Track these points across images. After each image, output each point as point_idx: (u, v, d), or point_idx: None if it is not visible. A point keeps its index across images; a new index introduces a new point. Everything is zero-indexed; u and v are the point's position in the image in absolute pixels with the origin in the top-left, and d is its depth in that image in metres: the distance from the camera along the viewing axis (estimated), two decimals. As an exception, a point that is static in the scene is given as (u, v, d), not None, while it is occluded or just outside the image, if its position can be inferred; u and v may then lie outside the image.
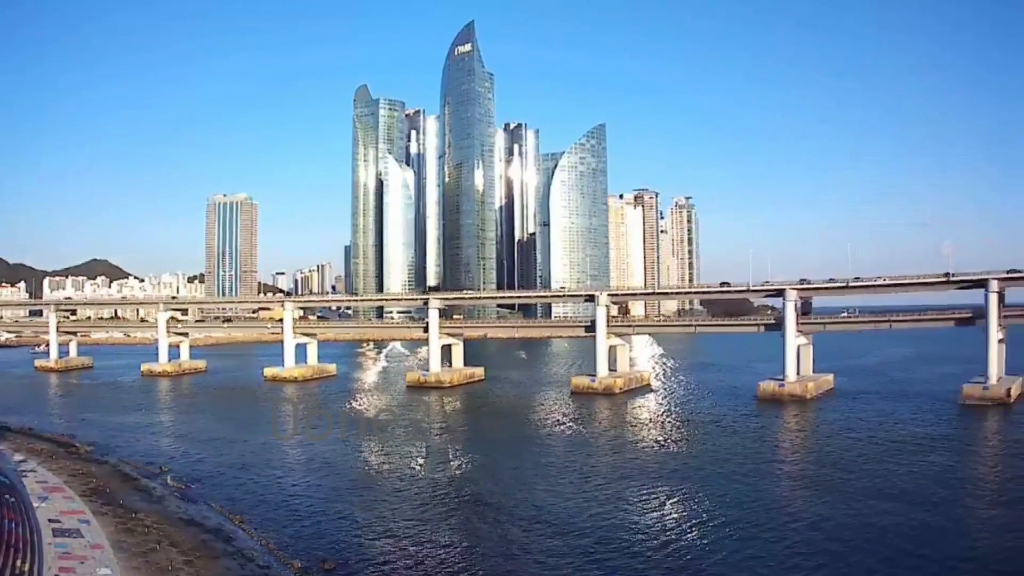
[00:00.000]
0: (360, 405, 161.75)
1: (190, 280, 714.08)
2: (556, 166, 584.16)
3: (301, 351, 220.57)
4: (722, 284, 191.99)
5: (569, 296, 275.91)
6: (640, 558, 61.19)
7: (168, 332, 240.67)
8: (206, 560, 58.68)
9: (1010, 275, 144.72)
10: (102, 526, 63.79)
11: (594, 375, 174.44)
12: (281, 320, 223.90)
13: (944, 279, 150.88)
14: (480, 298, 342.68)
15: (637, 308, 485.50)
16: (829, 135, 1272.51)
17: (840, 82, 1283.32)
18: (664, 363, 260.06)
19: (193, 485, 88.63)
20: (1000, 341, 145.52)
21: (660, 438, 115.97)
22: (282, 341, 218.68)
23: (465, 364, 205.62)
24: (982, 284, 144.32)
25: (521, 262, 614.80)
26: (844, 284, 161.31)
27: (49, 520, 63.49)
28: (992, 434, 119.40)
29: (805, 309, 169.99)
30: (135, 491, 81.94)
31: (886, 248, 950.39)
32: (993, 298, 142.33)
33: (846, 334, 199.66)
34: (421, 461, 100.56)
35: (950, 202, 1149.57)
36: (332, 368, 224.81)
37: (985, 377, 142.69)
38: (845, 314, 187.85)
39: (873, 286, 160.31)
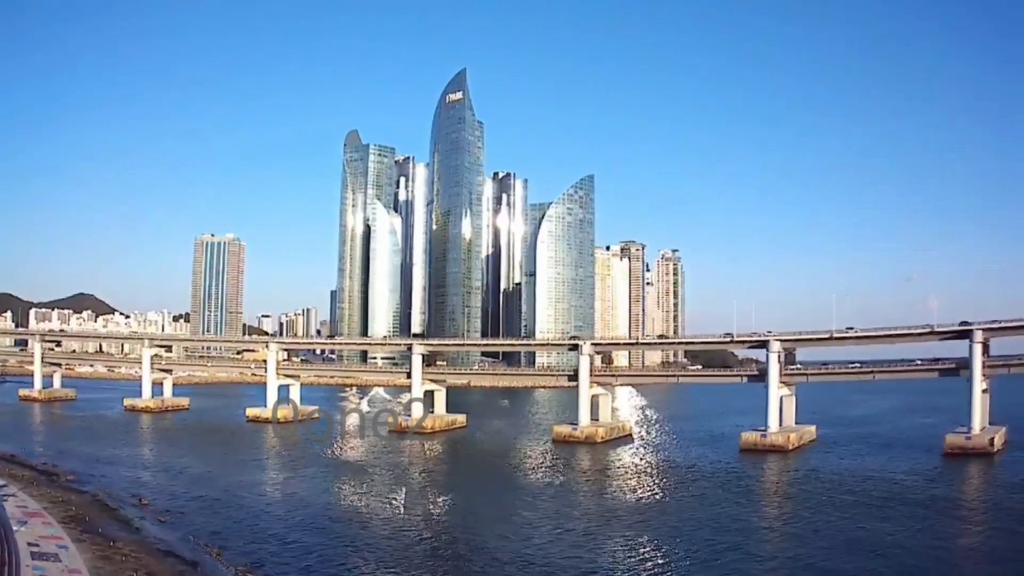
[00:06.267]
0: (340, 447, 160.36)
1: (175, 319, 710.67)
2: (543, 216, 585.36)
3: (284, 393, 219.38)
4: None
5: (553, 345, 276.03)
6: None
7: (152, 369, 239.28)
8: (184, 588, 58.17)
9: (994, 325, 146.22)
10: (80, 552, 63.00)
11: (576, 424, 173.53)
12: (265, 361, 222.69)
13: (928, 330, 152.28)
14: (464, 345, 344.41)
15: (621, 359, 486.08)
16: (816, 191, 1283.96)
17: (828, 139, 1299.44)
18: (647, 413, 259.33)
19: (172, 517, 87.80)
20: (984, 391, 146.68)
21: (639, 487, 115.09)
22: (265, 382, 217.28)
23: (447, 411, 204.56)
24: (966, 335, 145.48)
25: (506, 311, 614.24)
26: (828, 335, 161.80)
27: (28, 543, 62.68)
28: (973, 484, 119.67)
29: (788, 360, 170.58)
30: (114, 520, 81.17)
31: (871, 302, 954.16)
32: (977, 348, 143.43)
33: (830, 385, 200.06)
34: (398, 502, 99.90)
35: (935, 257, 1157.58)
36: (314, 410, 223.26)
37: (968, 427, 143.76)
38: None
39: (858, 337, 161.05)
